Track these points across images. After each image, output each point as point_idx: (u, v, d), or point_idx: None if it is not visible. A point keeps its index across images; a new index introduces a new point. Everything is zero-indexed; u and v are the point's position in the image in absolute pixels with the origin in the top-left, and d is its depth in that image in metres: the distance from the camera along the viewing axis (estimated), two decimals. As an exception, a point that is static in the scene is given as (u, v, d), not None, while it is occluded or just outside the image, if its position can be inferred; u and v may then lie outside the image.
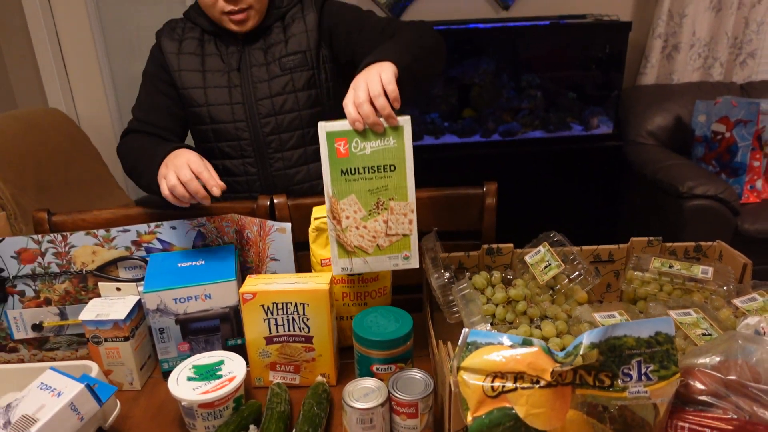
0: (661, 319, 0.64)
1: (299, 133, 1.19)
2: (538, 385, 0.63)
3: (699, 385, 0.65)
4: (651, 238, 1.06)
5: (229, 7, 1.10)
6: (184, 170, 0.92)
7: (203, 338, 0.96)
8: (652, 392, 0.63)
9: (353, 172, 0.84)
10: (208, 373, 0.85)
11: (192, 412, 0.82)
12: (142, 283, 0.98)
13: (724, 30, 2.64)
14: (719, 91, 2.61)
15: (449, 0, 2.67)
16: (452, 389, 0.68)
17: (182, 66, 1.18)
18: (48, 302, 1.00)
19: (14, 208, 1.83)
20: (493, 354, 0.65)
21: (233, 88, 1.17)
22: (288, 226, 1.00)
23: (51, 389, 0.77)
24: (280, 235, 1.01)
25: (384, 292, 0.99)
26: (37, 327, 1.00)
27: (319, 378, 0.92)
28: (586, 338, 0.63)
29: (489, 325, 0.82)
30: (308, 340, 0.91)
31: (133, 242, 1.00)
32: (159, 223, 1.01)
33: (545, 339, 0.86)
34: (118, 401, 0.87)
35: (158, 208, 1.12)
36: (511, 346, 0.65)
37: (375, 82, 0.83)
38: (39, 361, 1.01)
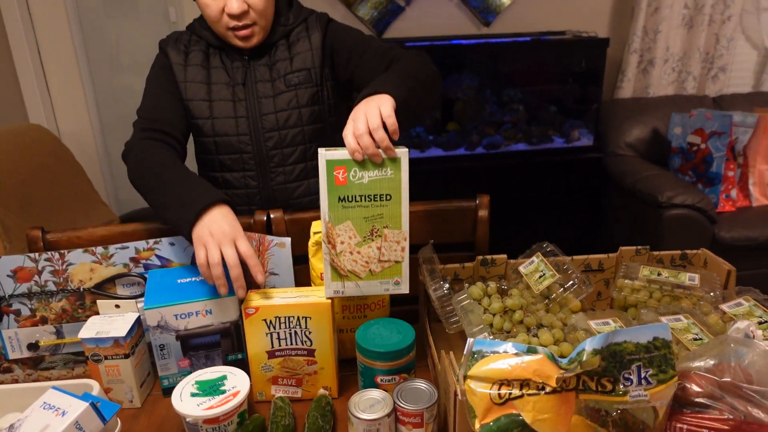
0: (659, 325, 0.67)
1: (301, 148, 1.21)
2: (543, 392, 0.65)
3: (695, 388, 0.68)
4: (639, 247, 1.10)
5: (234, 23, 1.12)
6: (230, 250, 0.88)
7: (204, 354, 0.96)
8: (651, 395, 0.66)
9: (350, 199, 0.86)
10: (211, 388, 0.85)
11: (197, 427, 0.82)
12: (141, 299, 0.98)
13: (696, 45, 2.74)
14: (693, 104, 2.71)
15: (432, 17, 2.72)
16: (459, 397, 0.70)
17: (188, 78, 1.18)
18: (44, 321, 0.99)
19: (-2, 226, 1.80)
20: (499, 362, 0.67)
21: (238, 102, 1.18)
22: (288, 240, 1.02)
23: (55, 408, 0.76)
24: (279, 249, 1.02)
25: (383, 304, 1.01)
26: (33, 346, 0.99)
27: (322, 391, 0.92)
28: (589, 345, 0.65)
29: (490, 334, 0.84)
30: (310, 353, 0.92)
31: (132, 259, 1.00)
32: (157, 239, 1.01)
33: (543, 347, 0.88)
34: (119, 420, 0.87)
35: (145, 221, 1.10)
36: (517, 354, 0.67)
37: (374, 115, 0.85)
38: (34, 380, 1.00)
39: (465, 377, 0.68)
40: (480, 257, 1.07)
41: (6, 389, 0.90)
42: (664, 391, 0.66)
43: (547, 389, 0.65)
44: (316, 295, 0.91)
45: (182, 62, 1.19)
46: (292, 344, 0.91)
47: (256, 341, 0.91)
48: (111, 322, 0.93)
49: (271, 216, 1.16)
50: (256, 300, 0.90)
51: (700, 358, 0.70)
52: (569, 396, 0.66)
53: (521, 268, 1.04)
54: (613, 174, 2.55)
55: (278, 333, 0.91)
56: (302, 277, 1.08)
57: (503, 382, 0.66)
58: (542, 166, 2.57)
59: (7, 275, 0.96)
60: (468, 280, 1.09)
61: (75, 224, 2.09)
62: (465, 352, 0.69)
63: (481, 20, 2.74)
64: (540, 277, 0.99)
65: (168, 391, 0.96)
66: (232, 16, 1.11)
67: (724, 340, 0.71)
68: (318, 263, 0.99)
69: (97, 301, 0.97)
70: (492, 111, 2.56)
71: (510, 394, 0.66)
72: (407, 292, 0.93)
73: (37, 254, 0.96)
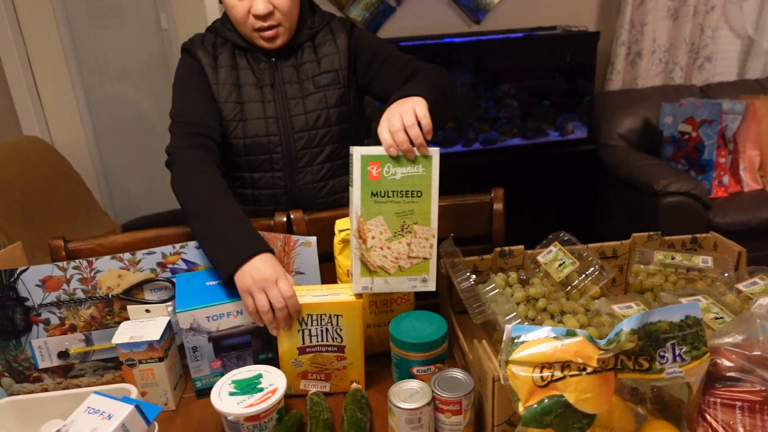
0: (689, 305, 0.70)
1: (329, 148, 1.23)
2: (585, 372, 0.67)
3: (726, 363, 0.71)
4: (651, 233, 1.13)
5: (259, 24, 1.13)
6: (275, 292, 0.90)
7: (235, 354, 0.97)
8: (686, 372, 0.69)
9: (383, 194, 0.88)
10: (248, 387, 0.87)
11: (238, 426, 0.83)
12: (170, 303, 0.99)
13: (682, 36, 2.80)
14: (681, 93, 2.77)
15: (422, 16, 2.75)
16: (501, 382, 0.72)
17: (220, 80, 1.19)
18: (73, 329, 0.99)
19: (2, 239, 1.79)
20: (540, 346, 0.69)
21: (267, 102, 1.20)
22: (313, 239, 1.03)
23: (100, 412, 0.77)
24: (305, 248, 1.03)
25: (408, 298, 1.03)
26: (63, 354, 1.00)
27: (355, 385, 0.94)
28: (626, 325, 0.68)
29: (524, 321, 0.87)
30: (341, 349, 0.94)
31: (159, 264, 1.01)
32: (184, 243, 1.02)
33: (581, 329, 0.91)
34: (156, 423, 0.88)
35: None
36: (556, 338, 0.69)
37: (409, 113, 0.89)
38: (64, 389, 1.00)
39: (507, 362, 0.70)
40: (498, 249, 1.10)
41: (43, 397, 0.90)
42: (698, 367, 0.69)
43: (588, 369, 0.67)
44: (348, 294, 0.92)
45: (212, 64, 1.19)
46: (323, 341, 0.93)
47: (288, 338, 0.93)
48: (143, 326, 0.94)
49: (292, 216, 1.17)
50: (288, 298, 0.91)
51: (728, 334, 0.73)
52: (609, 375, 0.68)
53: (540, 258, 1.07)
54: (607, 165, 2.60)
55: (309, 330, 0.93)
56: (325, 275, 1.10)
57: (545, 365, 0.69)
58: (538, 159, 2.61)
59: (36, 284, 0.97)
60: (487, 271, 1.11)
61: (78, 235, 2.08)
62: (504, 339, 0.71)
63: (472, 18, 2.77)
64: (560, 265, 1.02)
65: (201, 393, 0.97)
66: (257, 17, 1.12)
67: (750, 316, 0.74)
68: (345, 260, 1.01)
69: (128, 306, 0.97)
70: (487, 107, 2.60)
71: (552, 376, 0.68)
72: (434, 289, 0.94)
73: (65, 263, 0.97)
